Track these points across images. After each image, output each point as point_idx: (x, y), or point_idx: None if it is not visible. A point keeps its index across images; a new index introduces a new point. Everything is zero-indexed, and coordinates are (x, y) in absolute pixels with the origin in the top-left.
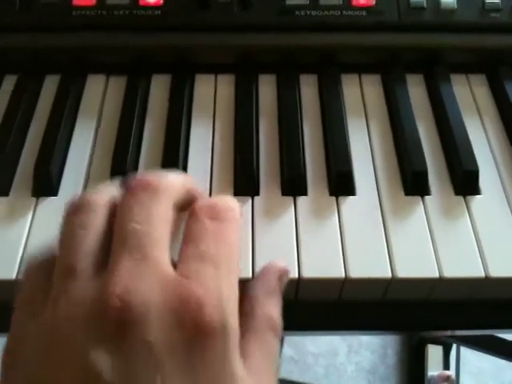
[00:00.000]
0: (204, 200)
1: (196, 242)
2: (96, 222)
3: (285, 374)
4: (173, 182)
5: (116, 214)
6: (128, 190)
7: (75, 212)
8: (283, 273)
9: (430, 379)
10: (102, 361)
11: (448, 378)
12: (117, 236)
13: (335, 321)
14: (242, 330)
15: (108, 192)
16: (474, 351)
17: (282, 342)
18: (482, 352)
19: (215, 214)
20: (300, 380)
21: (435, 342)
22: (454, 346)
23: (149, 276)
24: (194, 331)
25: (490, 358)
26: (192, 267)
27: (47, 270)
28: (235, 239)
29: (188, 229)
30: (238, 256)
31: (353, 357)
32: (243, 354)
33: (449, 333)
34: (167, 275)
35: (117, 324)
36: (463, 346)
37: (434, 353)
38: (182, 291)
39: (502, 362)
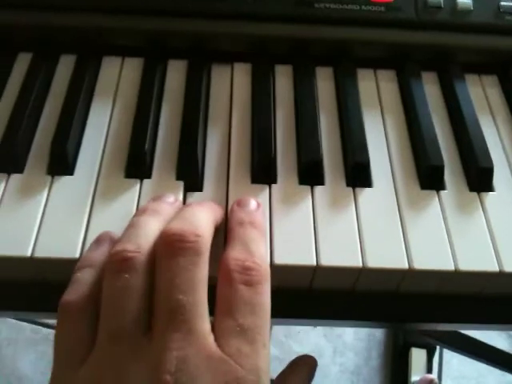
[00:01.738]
0: (234, 252)
1: (233, 315)
2: (138, 282)
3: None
4: (207, 233)
5: (157, 276)
6: (167, 247)
7: (117, 271)
8: (313, 366)
9: (414, 382)
10: None
11: (431, 381)
12: (162, 305)
13: (348, 311)
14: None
15: (146, 241)
16: (457, 356)
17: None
18: (466, 356)
19: (249, 278)
20: None
21: (419, 345)
22: (438, 350)
23: (196, 353)
24: None
25: (473, 362)
26: (232, 344)
27: (89, 316)
28: (268, 303)
29: (223, 295)
30: (270, 319)
31: (337, 358)
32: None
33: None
34: (212, 353)
35: None
36: (448, 349)
37: (417, 356)
38: (226, 371)
39: (483, 367)
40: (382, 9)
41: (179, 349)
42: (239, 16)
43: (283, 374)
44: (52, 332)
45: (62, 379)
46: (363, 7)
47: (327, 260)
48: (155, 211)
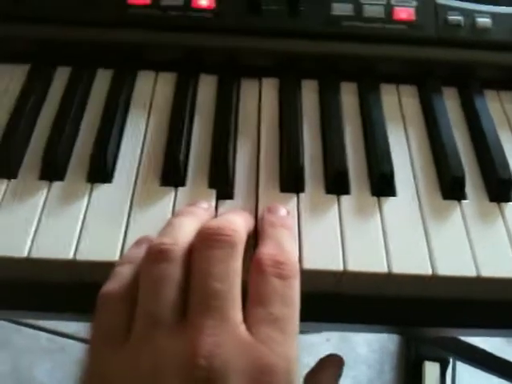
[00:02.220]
0: (267, 248)
1: (265, 305)
2: (174, 272)
3: None
4: (242, 232)
5: (193, 267)
6: (203, 240)
7: (154, 261)
8: (341, 365)
9: None
10: None
11: None
12: (198, 292)
13: (376, 315)
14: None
15: (183, 237)
16: (470, 370)
17: None
18: (478, 369)
19: (281, 271)
20: None
21: (433, 358)
22: (451, 364)
23: (229, 339)
24: None
25: (485, 376)
26: (263, 331)
27: (128, 302)
28: (298, 296)
29: (256, 286)
30: (299, 311)
31: (350, 371)
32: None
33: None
34: (244, 339)
35: (201, 382)
36: (461, 361)
37: (430, 369)
38: (258, 357)
39: (497, 381)
40: (405, 27)
41: (213, 335)
42: (270, 33)
43: (313, 372)
44: (68, 341)
45: (100, 362)
46: (387, 25)
47: (354, 265)
48: (191, 213)
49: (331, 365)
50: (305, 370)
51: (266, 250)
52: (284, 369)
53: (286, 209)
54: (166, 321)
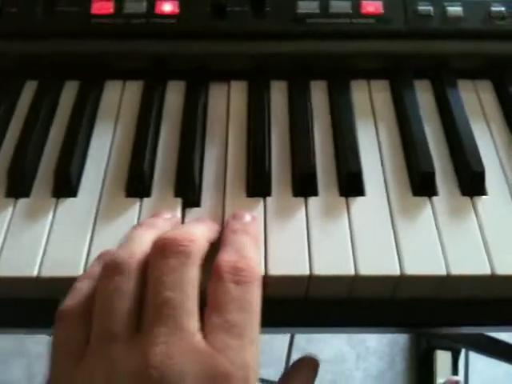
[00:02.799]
0: (226, 255)
1: (222, 311)
2: (129, 284)
3: None
4: (200, 242)
5: (148, 277)
6: (158, 250)
7: (110, 275)
8: (315, 367)
9: None
10: None
11: (456, 383)
12: (151, 303)
13: (345, 318)
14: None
15: (139, 250)
16: (483, 358)
17: (290, 346)
18: (492, 358)
19: (239, 278)
20: None
21: (444, 347)
22: (463, 352)
23: (182, 348)
24: None
25: (499, 364)
26: (219, 339)
27: (85, 320)
28: (258, 302)
29: (213, 294)
30: (259, 317)
31: (361, 363)
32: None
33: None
34: (199, 348)
35: None
36: (472, 351)
37: (442, 359)
38: (213, 364)
39: (510, 369)
40: (373, 21)
41: (165, 343)
42: (236, 35)
43: (287, 375)
44: None
45: (60, 378)
46: (354, 20)
47: (320, 269)
48: (150, 225)
49: (306, 368)
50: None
51: (225, 257)
52: (241, 377)
53: (251, 215)
54: (121, 334)
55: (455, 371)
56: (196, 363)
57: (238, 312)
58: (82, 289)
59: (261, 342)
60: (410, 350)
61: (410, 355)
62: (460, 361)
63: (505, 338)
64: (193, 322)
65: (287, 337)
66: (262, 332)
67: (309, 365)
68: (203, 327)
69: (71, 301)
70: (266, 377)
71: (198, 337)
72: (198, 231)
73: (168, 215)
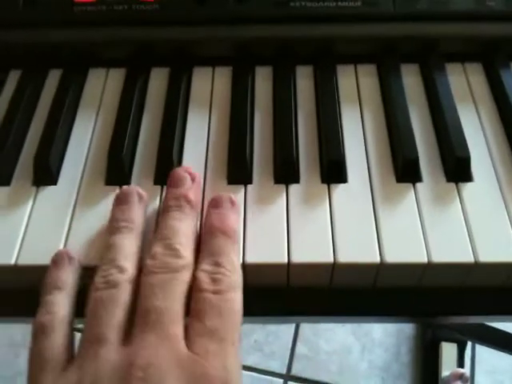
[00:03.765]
0: (203, 265)
1: (202, 318)
2: (123, 296)
3: (298, 372)
4: (187, 255)
5: (140, 289)
6: (149, 269)
7: (105, 287)
8: None
9: (444, 377)
10: None
11: (462, 375)
12: (140, 311)
13: (326, 307)
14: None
15: (128, 260)
16: (490, 350)
17: (295, 337)
18: (498, 350)
19: (217, 288)
20: (313, 378)
21: (450, 339)
22: (469, 344)
23: (167, 352)
24: None
25: (506, 356)
26: (201, 344)
27: (66, 332)
28: (238, 307)
29: (194, 304)
30: (241, 321)
31: (366, 355)
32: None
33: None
34: (182, 353)
35: None
36: (478, 343)
37: (448, 351)
38: (194, 369)
39: None
40: (359, 4)
41: (151, 348)
42: (218, 21)
43: None
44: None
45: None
46: (339, 3)
47: (298, 257)
48: (127, 225)
49: None
50: (322, 357)
51: (203, 267)
52: (221, 377)
53: (230, 198)
54: (112, 338)
55: (461, 364)
56: (178, 367)
57: (218, 318)
58: (55, 300)
59: (266, 333)
60: (416, 341)
61: (416, 347)
62: (466, 353)
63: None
64: (178, 329)
65: (292, 329)
66: (244, 321)
67: None
68: (186, 335)
69: (47, 313)
70: (271, 369)
71: (182, 343)
72: (185, 233)
73: (135, 198)
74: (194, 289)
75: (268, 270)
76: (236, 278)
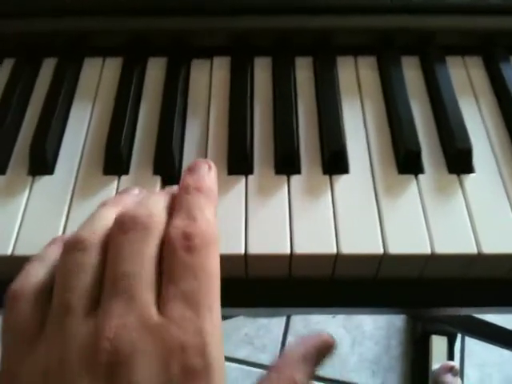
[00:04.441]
0: (176, 220)
1: (176, 281)
2: (90, 260)
3: None
4: (161, 215)
5: (108, 252)
6: (119, 226)
7: (71, 251)
8: (325, 346)
9: (434, 370)
10: None
11: (452, 368)
12: (108, 276)
13: (328, 298)
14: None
15: (101, 227)
16: (479, 343)
17: (286, 330)
18: (487, 342)
19: (192, 244)
20: None
21: (439, 332)
22: (459, 337)
23: (136, 320)
24: (178, 373)
25: (495, 349)
26: (174, 309)
27: (42, 297)
28: (214, 267)
29: (166, 265)
30: (218, 280)
31: (357, 348)
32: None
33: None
34: (153, 320)
35: (106, 366)
36: (468, 336)
37: (438, 344)
38: (166, 335)
39: (506, 353)
40: None
41: (119, 316)
42: (217, 11)
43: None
44: None
45: (12, 360)
46: None
47: (301, 248)
48: (115, 203)
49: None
50: None
51: (175, 223)
52: (197, 344)
53: (208, 164)
54: (79, 308)
55: (451, 357)
56: (149, 335)
57: (192, 280)
58: (34, 269)
59: (256, 326)
60: (406, 334)
61: (406, 340)
62: (456, 346)
63: (500, 322)
64: (148, 295)
65: (283, 322)
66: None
67: (316, 340)
68: (159, 300)
69: (24, 281)
70: (262, 362)
71: (154, 310)
72: (160, 204)
73: (135, 191)
74: (165, 249)
75: (270, 262)
76: (212, 232)
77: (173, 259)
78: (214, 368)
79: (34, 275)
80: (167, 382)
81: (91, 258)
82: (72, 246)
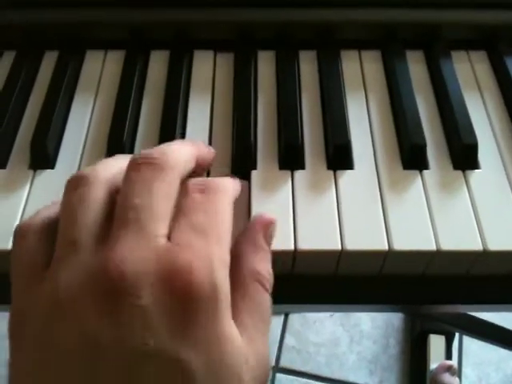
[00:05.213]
0: (193, 180)
1: (186, 214)
2: (95, 195)
3: (287, 364)
4: (178, 158)
5: (120, 190)
6: (133, 165)
7: (75, 186)
8: (269, 225)
9: (432, 369)
10: (100, 326)
11: (450, 367)
12: (118, 210)
13: (332, 295)
14: (230, 288)
15: (111, 167)
16: (477, 342)
17: (284, 329)
18: (485, 341)
19: (205, 188)
20: (302, 369)
21: (437, 331)
22: (457, 336)
23: (143, 246)
24: (184, 296)
25: (493, 348)
26: (183, 237)
27: (49, 234)
28: (226, 208)
29: (179, 203)
30: (230, 224)
31: (354, 347)
32: (233, 312)
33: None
34: (160, 245)
35: (112, 291)
36: (466, 335)
37: (436, 343)
38: (173, 258)
39: (504, 352)
40: None
41: (126, 242)
42: (221, 3)
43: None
44: None
45: (20, 297)
46: None
47: (305, 244)
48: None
49: (258, 222)
50: (311, 349)
51: (196, 180)
52: (204, 267)
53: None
54: (87, 243)
55: (449, 356)
56: (155, 259)
57: (203, 214)
58: (42, 211)
59: None
60: (404, 333)
61: (404, 339)
62: (454, 346)
63: (498, 321)
64: (159, 227)
65: (281, 320)
66: None
67: (259, 223)
68: (169, 234)
69: (32, 219)
70: None
71: (160, 238)
72: (180, 149)
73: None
74: (180, 193)
75: (273, 257)
76: (227, 187)
77: (185, 199)
78: (220, 293)
79: (41, 214)
80: (173, 303)
81: (95, 194)
82: (74, 183)
